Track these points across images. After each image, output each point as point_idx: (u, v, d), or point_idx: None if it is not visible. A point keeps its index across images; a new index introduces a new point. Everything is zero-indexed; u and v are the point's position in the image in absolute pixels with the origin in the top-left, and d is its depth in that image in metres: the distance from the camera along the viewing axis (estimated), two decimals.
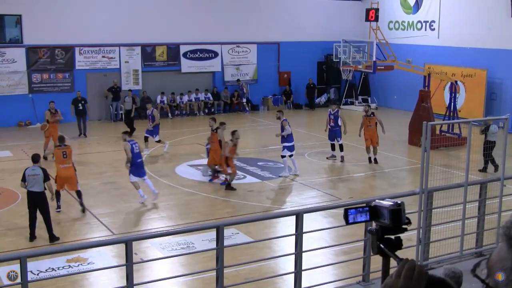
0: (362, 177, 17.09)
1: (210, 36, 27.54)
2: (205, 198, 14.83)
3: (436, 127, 19.44)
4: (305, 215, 8.08)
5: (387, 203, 2.31)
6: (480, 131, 16.55)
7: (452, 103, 21.33)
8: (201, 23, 27.18)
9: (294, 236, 8.03)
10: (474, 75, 24.86)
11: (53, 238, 11.55)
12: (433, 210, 9.09)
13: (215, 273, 7.57)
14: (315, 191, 15.33)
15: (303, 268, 8.01)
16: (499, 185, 9.71)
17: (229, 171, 15.23)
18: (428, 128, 8.62)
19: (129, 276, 7.02)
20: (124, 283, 7.39)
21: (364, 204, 7.79)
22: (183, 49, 27.35)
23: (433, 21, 27.16)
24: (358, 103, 29.32)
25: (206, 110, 27.51)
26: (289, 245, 9.18)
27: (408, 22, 28.54)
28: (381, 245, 2.27)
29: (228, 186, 15.28)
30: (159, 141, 19.59)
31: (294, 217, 8.10)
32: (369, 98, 30.19)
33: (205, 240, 11.21)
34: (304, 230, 7.97)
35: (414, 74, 24.36)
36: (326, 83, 30.76)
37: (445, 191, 9.52)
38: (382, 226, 2.31)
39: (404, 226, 2.32)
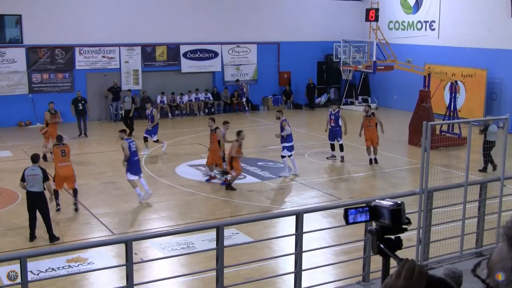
0: (362, 177, 17.09)
1: (210, 36, 27.54)
2: (205, 198, 14.83)
3: (436, 127, 19.44)
4: (305, 215, 8.08)
5: (387, 203, 2.31)
6: (479, 131, 16.55)
7: (452, 103, 21.33)
8: (201, 23, 27.18)
9: (294, 236, 8.03)
10: (474, 75, 24.86)
11: (53, 238, 11.55)
12: (433, 210, 9.09)
13: (215, 273, 7.57)
14: (315, 191, 15.33)
15: (303, 268, 8.01)
16: (499, 185, 9.71)
17: (233, 173, 15.24)
18: (428, 128, 8.62)
19: (129, 276, 7.02)
20: (124, 283, 7.39)
21: (364, 204, 7.79)
22: (183, 49, 27.35)
23: (433, 21, 27.16)
24: (358, 103, 29.32)
25: (206, 110, 27.50)
26: (289, 245, 9.18)
27: (408, 22, 28.54)
28: (381, 245, 2.27)
29: (228, 186, 15.28)
30: (157, 141, 19.54)
31: (294, 217, 8.10)
32: (369, 98, 30.19)
33: (205, 240, 11.21)
34: (304, 230, 7.97)
35: (414, 74, 24.36)
36: (326, 83, 30.75)
37: (445, 191, 9.52)
38: (382, 226, 2.30)
39: (404, 226, 2.32)
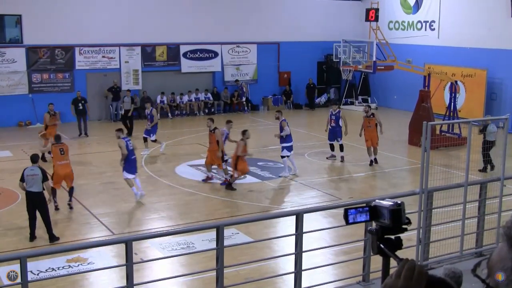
0: (362, 177, 17.09)
1: (210, 36, 27.54)
2: (205, 198, 14.83)
3: (436, 127, 19.44)
4: (305, 215, 8.08)
5: (387, 203, 2.31)
6: (479, 131, 16.57)
7: (452, 103, 21.34)
8: (201, 23, 27.18)
9: (294, 236, 8.03)
10: (474, 75, 24.86)
11: (53, 238, 11.55)
12: (433, 210, 9.09)
13: (215, 273, 7.57)
14: (315, 191, 15.33)
15: (303, 268, 8.01)
16: (499, 185, 9.70)
17: (235, 174, 15.23)
18: (428, 128, 8.62)
19: (129, 276, 7.02)
20: (124, 283, 7.39)
21: (364, 204, 7.78)
22: (183, 49, 27.35)
23: (433, 21, 27.16)
24: (358, 103, 29.32)
25: (206, 110, 27.51)
26: (289, 245, 9.18)
27: (408, 22, 28.54)
28: (381, 245, 2.27)
29: (228, 185, 15.28)
30: (155, 141, 19.46)
31: (294, 217, 8.10)
32: (369, 98, 30.19)
33: (205, 240, 11.21)
34: (304, 230, 7.97)
35: (414, 74, 24.36)
36: (326, 83, 30.76)
37: (445, 191, 9.51)
38: (382, 226, 2.30)
39: (404, 226, 2.32)
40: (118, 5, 25.62)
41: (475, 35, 24.76)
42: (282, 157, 16.77)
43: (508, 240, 1.73)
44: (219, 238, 7.39)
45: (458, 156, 17.93)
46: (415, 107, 21.09)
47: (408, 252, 8.33)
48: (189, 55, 27.52)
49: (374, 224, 2.36)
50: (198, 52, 27.71)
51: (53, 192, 12.97)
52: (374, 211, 2.34)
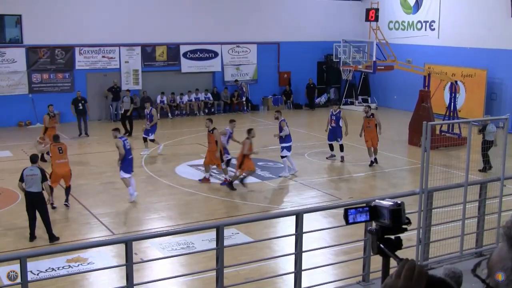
0: (362, 177, 17.09)
1: (210, 36, 27.54)
2: (205, 198, 14.83)
3: (436, 127, 19.44)
4: (305, 215, 8.08)
5: (387, 203, 2.31)
6: (478, 130, 16.58)
7: (452, 103, 21.34)
8: (201, 23, 27.18)
9: (294, 236, 8.03)
10: (474, 75, 24.86)
11: (53, 238, 11.55)
12: (433, 210, 9.09)
13: (215, 273, 7.57)
14: (315, 191, 15.33)
15: (303, 268, 8.01)
16: (499, 185, 9.70)
17: (238, 173, 15.26)
18: (428, 128, 8.62)
19: (129, 276, 7.02)
20: (124, 283, 7.39)
21: (364, 204, 7.78)
22: (183, 49, 27.35)
23: (433, 21, 27.16)
24: (358, 103, 29.32)
25: (206, 110, 27.51)
26: (289, 245, 9.18)
27: (408, 22, 28.54)
28: (381, 245, 2.27)
29: (230, 184, 15.28)
30: (153, 140, 19.35)
31: (294, 217, 8.10)
32: (369, 98, 30.20)
33: (205, 240, 11.21)
34: (304, 230, 7.97)
35: (414, 74, 24.36)
36: (326, 83, 30.76)
37: (445, 191, 9.52)
38: (382, 226, 2.30)
39: (404, 226, 2.32)
40: (118, 5, 25.61)
41: (475, 35, 24.76)
42: (282, 157, 16.78)
43: (508, 240, 1.73)
44: (219, 238, 7.39)
45: (458, 156, 17.93)
46: (415, 107, 21.08)
47: (408, 252, 8.33)
48: (189, 55, 27.52)
49: (374, 224, 2.36)
50: (198, 52, 27.71)
51: (50, 190, 12.99)
52: (374, 211, 2.34)
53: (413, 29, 28.23)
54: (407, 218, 2.33)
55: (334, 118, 18.45)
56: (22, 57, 24.35)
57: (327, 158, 18.62)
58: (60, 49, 24.98)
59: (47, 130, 18.67)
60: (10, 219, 12.93)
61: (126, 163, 14.22)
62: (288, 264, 9.04)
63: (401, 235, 2.31)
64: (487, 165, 16.62)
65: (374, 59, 24.40)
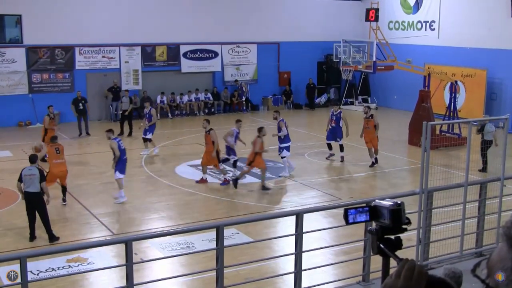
0: (362, 177, 17.08)
1: (210, 36, 27.54)
2: (205, 198, 14.83)
3: (436, 127, 19.44)
4: (305, 215, 8.08)
5: (387, 203, 2.31)
6: (476, 130, 16.58)
7: (452, 103, 21.34)
8: (201, 23, 27.18)
9: (294, 236, 8.03)
10: (474, 75, 24.86)
11: (52, 238, 11.55)
12: (433, 210, 9.09)
13: (215, 273, 7.57)
14: (315, 191, 15.33)
15: (303, 268, 8.01)
16: (499, 185, 9.70)
17: (245, 168, 15.38)
18: (428, 128, 8.62)
19: (129, 276, 7.02)
20: (124, 283, 7.39)
21: (364, 204, 7.78)
22: (183, 49, 27.35)
23: (433, 21, 27.17)
24: (358, 103, 29.33)
25: (206, 110, 27.51)
26: (289, 245, 9.18)
27: (408, 22, 28.54)
28: (381, 245, 2.27)
29: (235, 181, 15.42)
30: (150, 140, 19.20)
31: (294, 217, 8.10)
32: (369, 98, 30.21)
33: (205, 240, 11.21)
34: (304, 230, 7.97)
35: (414, 74, 24.35)
36: (326, 83, 30.76)
37: (445, 191, 9.52)
38: (382, 226, 2.30)
39: (404, 226, 2.32)
40: (118, 5, 25.62)
41: (475, 35, 24.76)
42: (282, 157, 16.78)
43: (508, 240, 1.73)
44: (219, 238, 7.39)
45: (458, 156, 17.93)
46: (415, 107, 21.08)
47: (408, 252, 8.33)
48: (189, 55, 27.52)
49: (374, 224, 2.36)
50: (198, 52, 27.71)
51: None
52: (374, 211, 2.34)
53: (413, 29, 28.24)
54: (407, 218, 2.33)
55: (335, 118, 18.45)
56: (22, 57, 24.35)
57: (326, 158, 18.61)
58: (60, 49, 24.98)
59: (47, 132, 18.64)
60: (10, 219, 12.94)
61: (121, 164, 14.23)
62: (288, 264, 9.04)
63: (401, 235, 2.31)
64: (485, 165, 16.62)
65: (374, 59, 24.40)
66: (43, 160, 17.02)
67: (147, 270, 9.87)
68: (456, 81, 22.19)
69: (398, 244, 2.29)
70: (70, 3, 24.84)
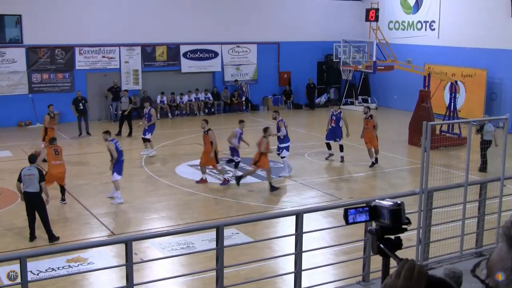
0: (362, 177, 17.08)
1: (210, 36, 27.55)
2: (205, 198, 14.83)
3: (436, 127, 19.44)
4: (305, 215, 8.08)
5: (387, 203, 2.31)
6: (476, 130, 16.58)
7: (452, 103, 21.34)
8: (201, 23, 27.18)
9: (294, 236, 8.03)
10: (474, 75, 24.86)
11: (52, 238, 11.55)
12: (433, 210, 9.09)
13: (215, 273, 7.57)
14: (315, 191, 15.33)
15: (303, 268, 8.01)
16: (499, 185, 9.70)
17: (251, 168, 15.40)
18: (428, 128, 8.62)
19: (129, 276, 7.02)
20: (124, 283, 7.39)
21: (364, 204, 7.77)
22: (183, 49, 27.35)
23: (433, 21, 27.17)
24: (358, 103, 29.33)
25: (206, 110, 27.51)
26: (289, 245, 9.18)
27: (408, 22, 28.54)
28: (381, 245, 2.26)
29: (239, 178, 15.45)
30: (148, 140, 19.13)
31: (294, 217, 8.10)
32: (369, 98, 30.21)
33: (205, 240, 11.21)
34: (304, 230, 7.97)
35: (414, 74, 24.35)
36: (326, 83, 30.76)
37: (445, 191, 9.52)
38: (382, 226, 2.30)
39: (404, 226, 2.32)
40: (118, 5, 25.61)
41: (475, 35, 24.76)
42: (282, 157, 16.78)
43: (508, 240, 1.73)
44: (219, 238, 7.39)
45: (458, 156, 17.93)
46: (415, 107, 21.09)
47: (408, 252, 8.33)
48: (189, 55, 27.52)
49: (374, 224, 2.36)
50: (198, 52, 27.71)
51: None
52: (374, 211, 2.34)
53: (413, 29, 28.23)
54: (407, 218, 2.33)
55: (335, 118, 18.45)
56: (22, 57, 24.35)
57: (326, 158, 18.60)
58: (60, 49, 24.98)
59: (47, 131, 18.63)
60: (10, 219, 12.94)
61: (118, 166, 14.22)
62: (288, 264, 9.04)
63: (401, 235, 2.31)
64: (485, 165, 16.62)
65: (374, 59, 24.39)
66: (44, 160, 17.07)
67: (147, 270, 9.87)
68: (456, 81, 22.19)
69: (398, 244, 2.29)
70: (70, 3, 24.84)
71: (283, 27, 29.05)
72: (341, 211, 3.78)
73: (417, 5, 27.95)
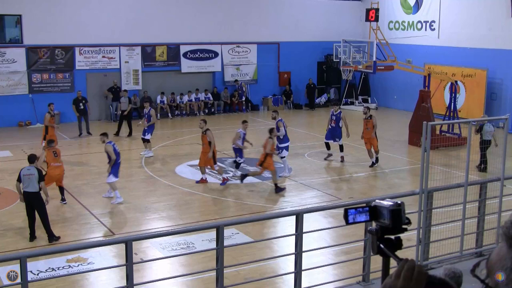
0: (362, 177, 17.08)
1: (210, 36, 27.55)
2: (205, 198, 14.83)
3: (436, 127, 19.43)
4: (305, 215, 8.08)
5: (387, 203, 2.31)
6: (475, 130, 16.58)
7: (452, 103, 21.34)
8: (201, 23, 27.19)
9: (294, 236, 8.03)
10: (474, 75, 24.86)
11: (51, 238, 11.55)
12: (433, 210, 9.09)
13: (215, 273, 7.57)
14: (315, 191, 15.33)
15: (303, 268, 8.01)
16: (499, 185, 9.70)
17: (258, 169, 15.42)
18: (428, 128, 8.62)
19: (129, 276, 7.02)
20: (124, 283, 7.39)
21: (364, 204, 7.79)
22: (183, 49, 27.35)
23: (433, 21, 27.17)
24: (358, 103, 29.33)
25: (206, 110, 27.51)
26: (289, 245, 9.18)
27: (408, 22, 28.54)
28: (381, 245, 2.26)
29: (244, 176, 15.48)
30: (148, 141, 19.06)
31: (294, 217, 8.10)
32: (369, 98, 30.21)
33: (205, 240, 11.21)
34: (304, 230, 7.97)
35: (414, 74, 24.36)
36: (326, 83, 30.75)
37: (445, 191, 9.52)
38: (382, 226, 2.30)
39: (404, 226, 2.32)
40: (118, 5, 25.62)
41: (475, 35, 24.76)
42: (282, 157, 16.78)
43: (508, 240, 1.73)
44: (219, 238, 7.39)
45: (458, 156, 17.93)
46: (415, 107, 21.09)
47: (408, 252, 8.34)
48: (189, 55, 27.52)
49: (374, 224, 2.36)
50: (198, 52, 27.71)
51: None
52: (374, 211, 2.34)
53: (413, 29, 28.24)
54: (407, 218, 2.33)
55: (334, 118, 18.44)
56: (22, 57, 24.35)
57: (325, 159, 18.58)
58: (60, 49, 24.98)
59: (48, 130, 18.64)
60: (10, 219, 12.94)
61: (116, 167, 14.21)
62: (288, 264, 9.05)
63: (401, 235, 2.31)
64: (485, 165, 16.62)
65: (374, 59, 24.39)
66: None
67: (147, 270, 9.88)
68: (456, 81, 22.19)
69: (398, 244, 2.29)
70: (70, 3, 24.84)
71: (283, 27, 29.05)
72: (341, 211, 3.79)
73: (417, 5, 27.96)
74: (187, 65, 27.51)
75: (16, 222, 12.61)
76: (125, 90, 24.17)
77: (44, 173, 13.29)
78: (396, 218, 2.28)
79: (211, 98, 27.80)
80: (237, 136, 16.29)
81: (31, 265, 8.95)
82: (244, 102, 28.50)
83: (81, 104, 22.46)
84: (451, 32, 26.11)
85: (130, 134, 22.23)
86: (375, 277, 8.53)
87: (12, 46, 24.20)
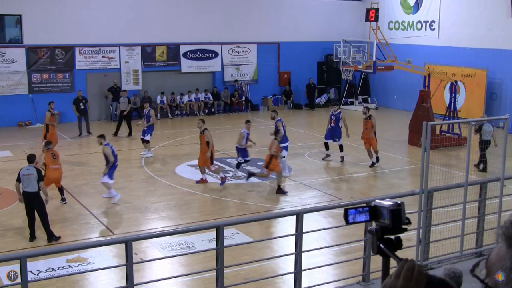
0: (362, 177, 17.08)
1: (210, 36, 27.55)
2: (205, 198, 14.83)
3: (436, 127, 19.43)
4: (305, 215, 8.08)
5: (387, 203, 2.31)
6: (474, 130, 16.58)
7: (452, 103, 21.34)
8: (201, 23, 27.19)
9: (294, 236, 8.03)
10: (474, 75, 24.86)
11: (51, 238, 11.55)
12: (433, 210, 9.09)
13: (215, 273, 7.57)
14: (315, 191, 15.33)
15: (303, 268, 8.02)
16: (499, 185, 9.70)
17: (265, 172, 15.37)
18: (428, 128, 8.62)
19: (129, 276, 7.02)
20: (124, 283, 7.40)
21: (364, 204, 7.80)
22: (183, 49, 27.35)
23: (433, 21, 27.17)
24: (358, 103, 29.33)
25: (206, 110, 27.51)
26: (289, 245, 9.18)
27: (408, 22, 28.54)
28: (381, 245, 2.26)
29: (251, 175, 15.46)
30: (148, 141, 19.06)
31: (294, 217, 8.10)
32: (369, 98, 30.21)
33: (205, 240, 11.21)
34: (304, 230, 7.97)
35: (414, 74, 24.35)
36: (326, 83, 30.75)
37: (445, 191, 9.52)
38: (382, 226, 2.30)
39: (404, 226, 2.32)
40: (118, 5, 25.62)
41: (475, 35, 24.76)
42: (281, 157, 16.76)
43: (507, 239, 1.73)
44: (219, 238, 7.39)
45: (458, 156, 17.92)
46: (415, 107, 21.08)
47: (408, 252, 8.34)
48: (189, 55, 27.52)
49: (374, 224, 2.36)
50: (198, 52, 27.71)
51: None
52: (374, 211, 2.34)
53: (413, 29, 28.24)
54: (407, 218, 2.33)
55: (334, 118, 18.44)
56: (22, 57, 24.35)
57: (323, 159, 18.56)
58: (60, 49, 24.98)
59: (48, 128, 18.65)
60: (10, 219, 12.94)
61: (113, 169, 14.23)
62: (288, 264, 9.05)
63: (401, 235, 2.31)
64: (485, 165, 16.63)
65: (374, 59, 24.39)
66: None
67: (147, 270, 9.88)
68: (456, 81, 22.19)
69: (398, 244, 2.29)
70: (70, 3, 24.84)
71: (283, 27, 29.05)
72: (341, 211, 3.79)
73: (417, 5, 27.95)
74: (187, 65, 27.50)
75: (16, 222, 12.61)
76: (124, 90, 24.11)
77: (43, 171, 13.32)
78: (396, 218, 2.28)
79: (211, 98, 27.80)
80: (241, 137, 16.31)
81: (31, 265, 8.95)
82: (244, 102, 28.51)
83: (81, 104, 22.46)
84: (451, 32, 26.11)
85: (130, 134, 22.22)
86: (375, 277, 8.54)
87: (12, 46, 24.20)
